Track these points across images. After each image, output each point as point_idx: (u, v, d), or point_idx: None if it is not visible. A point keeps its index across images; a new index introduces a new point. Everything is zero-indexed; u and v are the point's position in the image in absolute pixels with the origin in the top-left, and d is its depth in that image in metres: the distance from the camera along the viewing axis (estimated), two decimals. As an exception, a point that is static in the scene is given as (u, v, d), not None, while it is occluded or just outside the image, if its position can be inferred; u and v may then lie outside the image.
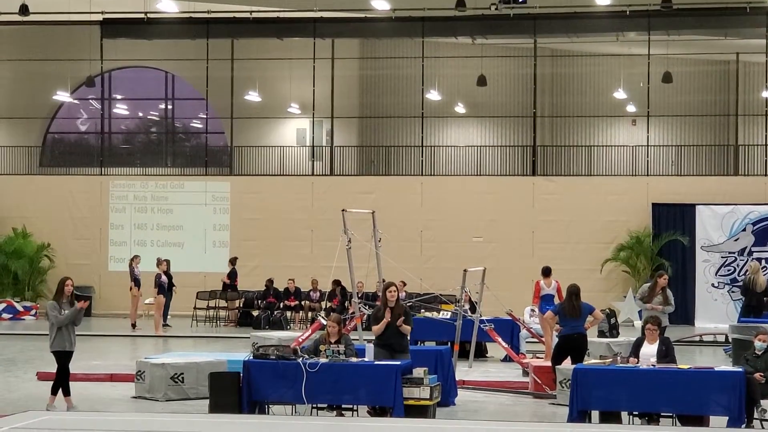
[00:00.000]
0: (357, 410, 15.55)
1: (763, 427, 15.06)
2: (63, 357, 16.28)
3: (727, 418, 14.71)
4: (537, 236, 35.24)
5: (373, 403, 15.65)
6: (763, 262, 33.04)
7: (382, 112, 41.48)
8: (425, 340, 23.90)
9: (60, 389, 16.23)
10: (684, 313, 33.69)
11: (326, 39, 38.50)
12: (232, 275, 34.19)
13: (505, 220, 35.49)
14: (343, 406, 15.80)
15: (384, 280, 22.64)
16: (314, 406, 15.79)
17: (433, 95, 40.05)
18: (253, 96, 39.86)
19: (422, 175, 37.55)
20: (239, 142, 39.63)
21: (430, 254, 35.61)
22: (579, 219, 35.20)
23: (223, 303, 34.22)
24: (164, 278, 30.96)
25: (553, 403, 17.46)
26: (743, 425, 14.70)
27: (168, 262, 32.43)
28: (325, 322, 17.70)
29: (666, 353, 15.64)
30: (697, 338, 28.83)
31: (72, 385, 16.52)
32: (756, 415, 15.05)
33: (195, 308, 33.69)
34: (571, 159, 39.48)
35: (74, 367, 21.01)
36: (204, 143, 41.15)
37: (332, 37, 38.67)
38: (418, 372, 15.68)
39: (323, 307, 32.03)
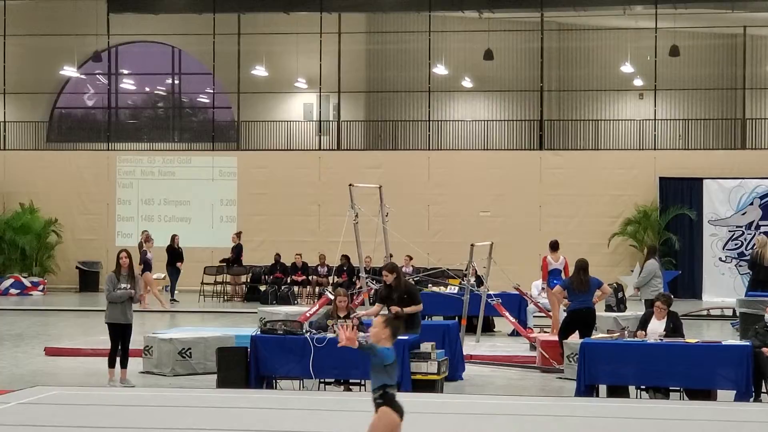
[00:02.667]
0: (365, 385, 15.58)
1: (771, 401, 15.07)
2: (115, 330, 16.26)
3: (735, 392, 14.74)
4: (544, 210, 35.22)
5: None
6: (771, 235, 33.02)
7: (388, 86, 41.41)
8: (432, 315, 23.89)
9: (117, 361, 16.22)
10: (691, 287, 33.76)
11: (333, 13, 38.43)
12: (237, 250, 34.19)
13: (512, 195, 35.48)
14: (351, 381, 15.83)
15: (391, 255, 22.77)
16: (322, 381, 15.83)
17: (440, 69, 39.95)
18: (259, 71, 39.82)
19: (429, 149, 37.52)
20: (246, 116, 39.61)
21: (437, 229, 35.63)
22: (586, 193, 35.18)
23: (229, 278, 34.27)
24: (150, 255, 30.41)
25: (561, 378, 17.47)
26: (751, 399, 14.72)
27: (176, 237, 32.42)
28: (332, 297, 17.70)
29: (675, 329, 15.63)
30: (705, 312, 28.83)
31: (80, 360, 16.53)
32: (764, 389, 15.05)
33: (202, 283, 33.73)
34: (578, 133, 39.41)
35: (82, 343, 21.16)
36: (211, 118, 41.13)
37: (339, 11, 38.60)
38: (426, 347, 15.71)
39: (330, 282, 32.04)
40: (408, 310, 15.78)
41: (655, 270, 21.92)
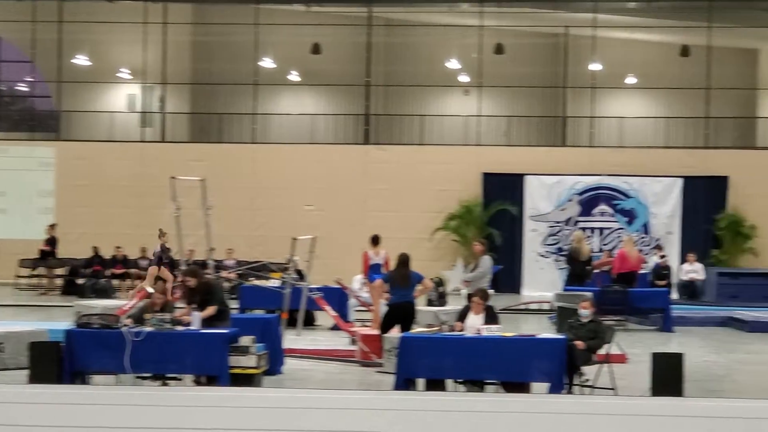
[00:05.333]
0: (182, 380, 15.32)
1: (582, 393, 15.33)
2: None
3: (549, 384, 14.96)
4: (369, 205, 35.32)
5: (199, 372, 15.49)
6: (588, 231, 33.78)
7: (215, 78, 40.96)
8: (254, 308, 23.75)
9: None
10: (512, 282, 34.24)
11: (158, 3, 37.83)
12: (52, 242, 33.37)
13: (337, 189, 35.49)
14: (168, 375, 15.59)
15: (213, 249, 22.55)
16: (138, 375, 15.54)
17: (266, 63, 39.71)
18: (81, 60, 38.97)
19: (255, 143, 37.26)
20: (68, 106, 38.74)
21: (262, 222, 35.40)
22: (411, 188, 35.38)
23: (45, 271, 33.47)
24: None
25: (380, 371, 17.48)
26: (563, 391, 14.97)
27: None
28: (150, 290, 17.42)
29: (492, 322, 15.81)
30: (524, 306, 29.27)
31: None
32: (576, 382, 15.33)
33: (17, 276, 32.87)
34: (403, 128, 39.62)
35: None
36: (30, 107, 40.10)
37: (164, 1, 38.02)
38: (245, 340, 15.59)
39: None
40: (204, 314, 15.70)
41: (490, 265, 22.16)
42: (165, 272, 26.65)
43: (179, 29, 39.34)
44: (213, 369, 15.21)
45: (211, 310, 15.90)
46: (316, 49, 38.87)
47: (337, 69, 40.88)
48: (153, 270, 25.11)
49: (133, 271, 32.70)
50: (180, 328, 15.50)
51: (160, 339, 15.16)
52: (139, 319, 15.59)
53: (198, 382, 15.58)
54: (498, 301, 27.31)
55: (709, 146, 36.26)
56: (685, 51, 38.86)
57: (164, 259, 25.49)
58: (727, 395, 16.13)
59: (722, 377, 17.88)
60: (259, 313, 22.90)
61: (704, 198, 34.62)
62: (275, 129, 39.36)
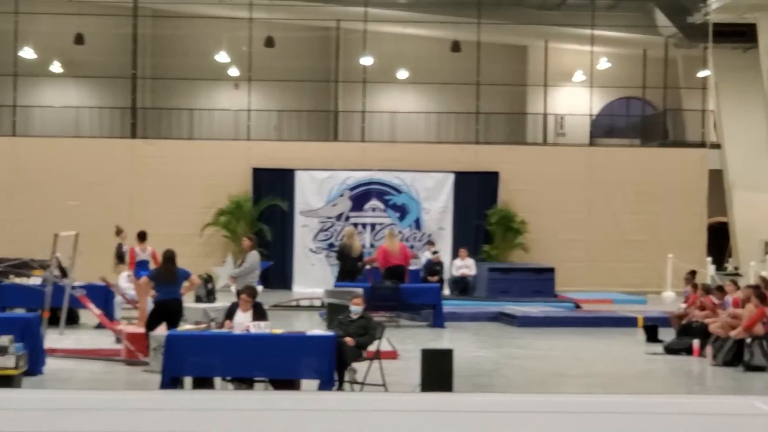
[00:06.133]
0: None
1: (352, 390, 15.20)
2: None
3: (319, 381, 14.78)
4: (136, 200, 34.45)
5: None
6: (359, 227, 33.80)
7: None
8: (15, 307, 22.86)
9: None
10: (283, 278, 34.00)
11: None
12: None
13: (103, 184, 34.48)
14: None
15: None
16: None
17: (27, 53, 38.28)
18: None
19: (15, 136, 35.93)
20: None
21: (22, 218, 34.09)
22: (180, 183, 34.70)
23: None
24: None
25: (147, 370, 17.07)
26: (333, 388, 14.81)
27: None
28: None
29: (260, 319, 15.61)
30: (295, 303, 29.06)
31: None
32: (347, 378, 15.20)
33: None
34: (172, 122, 38.94)
35: None
36: None
37: None
38: (2, 340, 15.18)
39: None
40: None
41: (258, 261, 21.87)
42: None
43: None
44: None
45: None
46: (79, 40, 37.82)
47: (102, 60, 39.88)
48: None
49: None
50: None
51: None
52: None
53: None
54: (269, 297, 27.14)
55: (480, 142, 36.78)
56: (456, 47, 39.34)
57: None
58: (496, 390, 16.30)
59: (491, 372, 18.05)
60: (20, 312, 22.01)
61: (475, 193, 35.07)
62: (37, 122, 38.08)
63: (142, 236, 23.38)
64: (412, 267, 28.31)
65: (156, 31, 40.61)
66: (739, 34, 37.97)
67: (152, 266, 21.92)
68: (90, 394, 15.12)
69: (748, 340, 18.44)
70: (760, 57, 37.07)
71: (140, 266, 22.85)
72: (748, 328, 18.50)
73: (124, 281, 23.60)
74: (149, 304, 18.97)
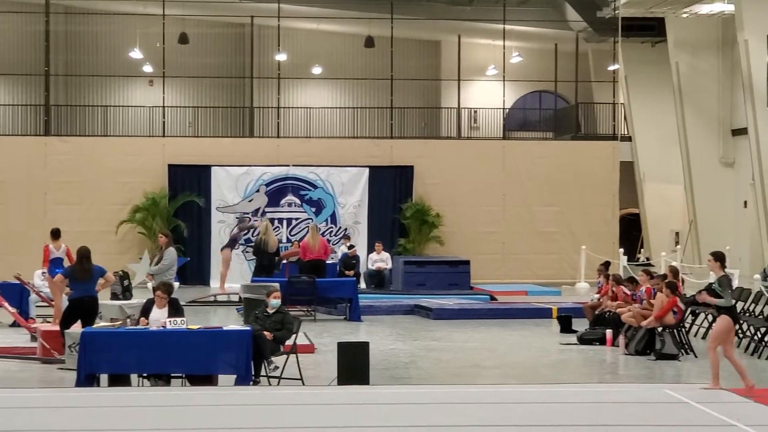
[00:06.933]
0: None
1: (270, 384, 15.27)
2: None
3: (235, 376, 14.85)
4: (49, 198, 34.12)
5: None
6: (276, 222, 33.83)
7: None
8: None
9: None
10: (200, 274, 33.91)
11: None
12: None
13: (15, 181, 34.09)
14: None
15: None
16: None
17: (-62, 49, 37.86)
18: None
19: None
20: None
21: (-66, 218, 33.70)
22: (94, 180, 34.43)
23: None
24: None
25: (62, 368, 16.94)
26: (250, 383, 14.87)
27: None
28: None
29: (176, 315, 15.59)
30: (212, 298, 29.02)
31: None
32: (264, 372, 15.27)
33: None
34: (86, 119, 38.63)
35: None
36: None
37: None
38: None
39: None
40: None
41: (175, 257, 21.83)
42: None
43: None
44: None
45: None
46: (-9, 37, 37.44)
47: (13, 57, 39.48)
48: None
49: None
50: None
51: None
52: None
53: None
54: (186, 293, 27.08)
55: (394, 136, 36.96)
56: (369, 42, 39.50)
57: None
58: (412, 382, 16.42)
59: (407, 364, 18.18)
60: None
61: (391, 187, 35.22)
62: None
63: (56, 234, 23.21)
64: (329, 261, 28.41)
65: (69, 27, 40.28)
66: (648, 29, 38.66)
67: (67, 264, 21.76)
68: (5, 392, 14.97)
69: (660, 329, 18.81)
70: (669, 51, 37.75)
71: (54, 264, 22.69)
72: (659, 318, 18.86)
73: (39, 279, 23.43)
74: (64, 302, 18.86)
